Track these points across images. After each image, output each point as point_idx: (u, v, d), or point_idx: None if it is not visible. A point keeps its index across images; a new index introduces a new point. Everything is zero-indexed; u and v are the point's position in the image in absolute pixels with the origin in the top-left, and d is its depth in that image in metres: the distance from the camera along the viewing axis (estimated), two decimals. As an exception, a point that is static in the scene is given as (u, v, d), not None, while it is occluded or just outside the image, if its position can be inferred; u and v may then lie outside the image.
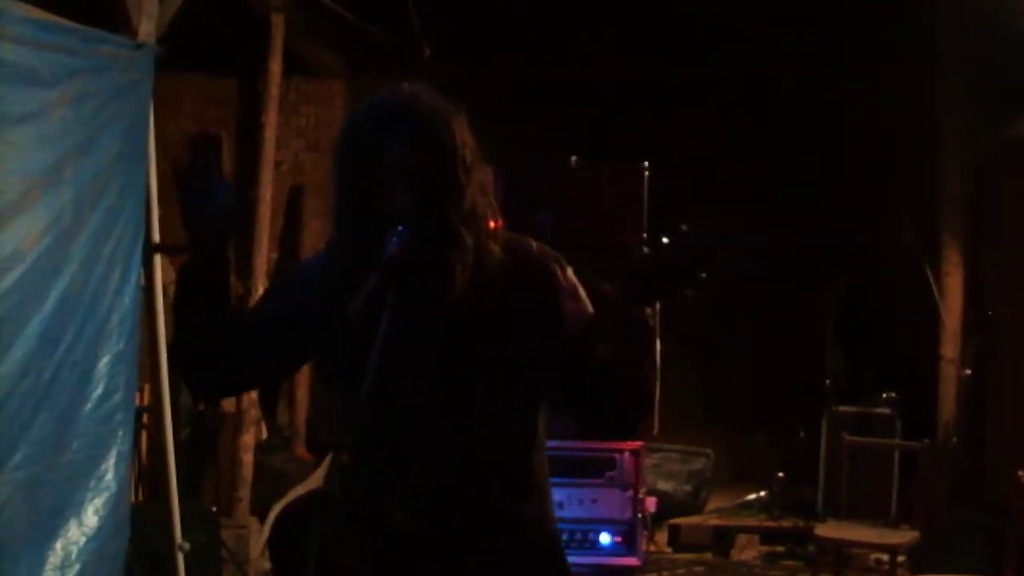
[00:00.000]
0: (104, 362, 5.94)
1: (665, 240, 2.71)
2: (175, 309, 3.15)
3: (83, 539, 5.78)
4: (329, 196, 3.02)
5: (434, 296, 2.88)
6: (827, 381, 9.41)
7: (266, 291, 3.46)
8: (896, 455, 8.57)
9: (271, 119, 8.63)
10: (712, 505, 9.81)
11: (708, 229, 2.68)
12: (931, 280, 9.06)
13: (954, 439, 8.94)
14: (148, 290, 6.70)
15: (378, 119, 2.92)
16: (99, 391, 5.90)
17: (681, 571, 8.75)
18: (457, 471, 2.95)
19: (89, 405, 5.83)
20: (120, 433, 6.10)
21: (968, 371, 9.05)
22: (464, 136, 2.96)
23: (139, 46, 6.32)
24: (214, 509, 7.82)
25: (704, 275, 2.67)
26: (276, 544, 3.08)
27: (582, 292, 3.05)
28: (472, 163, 2.96)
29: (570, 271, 3.07)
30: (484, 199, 2.98)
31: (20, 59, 5.18)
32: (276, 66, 8.63)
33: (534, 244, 3.09)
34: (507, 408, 2.97)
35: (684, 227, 2.69)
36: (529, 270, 3.02)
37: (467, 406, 2.94)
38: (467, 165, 2.94)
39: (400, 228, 2.78)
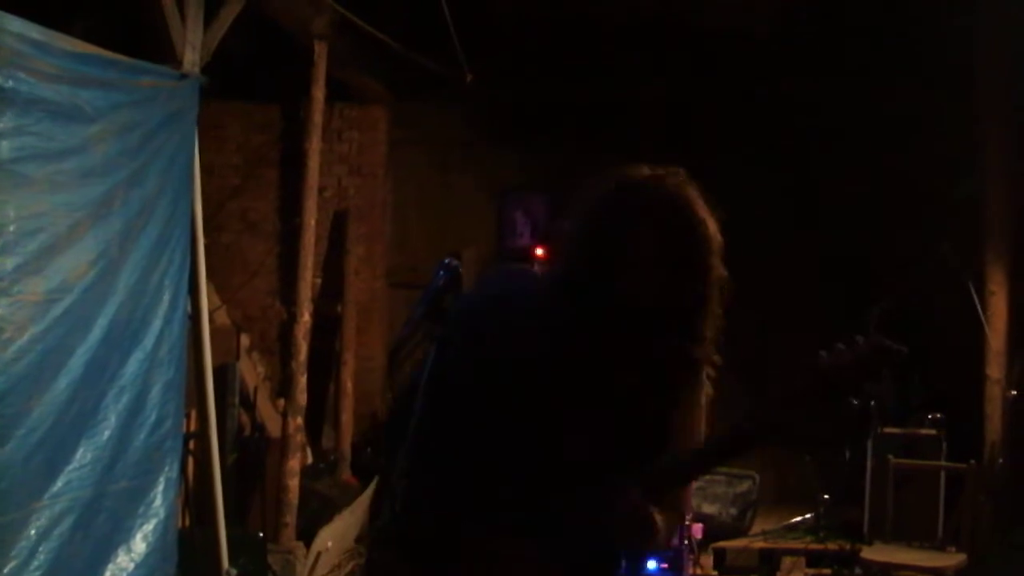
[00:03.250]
0: (156, 390, 6.01)
1: (859, 341, 2.69)
2: None
3: (132, 565, 5.84)
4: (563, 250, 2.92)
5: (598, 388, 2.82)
6: (872, 402, 9.36)
7: None
8: (942, 477, 8.51)
9: (314, 145, 8.67)
10: (758, 528, 9.77)
11: (879, 341, 2.68)
12: (976, 300, 9.01)
13: (1000, 461, 8.88)
14: (195, 317, 6.77)
15: (650, 230, 2.81)
16: (152, 419, 5.97)
17: (727, 594, 8.75)
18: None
19: (143, 433, 5.90)
20: (169, 460, 6.16)
21: (1014, 392, 8.98)
22: (718, 259, 2.88)
23: (183, 76, 6.40)
24: (260, 534, 7.84)
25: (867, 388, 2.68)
26: None
27: None
28: (720, 288, 2.90)
29: None
30: (716, 324, 2.92)
31: (59, 96, 5.25)
32: (319, 93, 8.68)
33: None
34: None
35: (859, 338, 2.69)
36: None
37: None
38: (714, 294, 2.88)
39: (446, 261, 2.81)
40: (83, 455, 5.46)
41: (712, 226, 2.86)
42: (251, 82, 10.05)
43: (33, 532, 5.16)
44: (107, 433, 5.63)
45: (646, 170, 2.88)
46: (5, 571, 5.05)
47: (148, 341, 5.97)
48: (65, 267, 5.27)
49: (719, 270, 2.88)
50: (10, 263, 4.97)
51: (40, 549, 5.17)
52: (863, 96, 10.10)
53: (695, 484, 7.13)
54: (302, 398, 8.37)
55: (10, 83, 4.92)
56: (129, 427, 5.80)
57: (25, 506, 5.12)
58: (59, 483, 5.31)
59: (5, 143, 4.96)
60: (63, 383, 5.29)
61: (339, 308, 10.45)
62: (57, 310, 5.22)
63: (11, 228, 4.97)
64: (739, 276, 2.99)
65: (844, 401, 2.67)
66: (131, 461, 5.83)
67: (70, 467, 5.37)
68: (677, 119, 10.51)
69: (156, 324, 6.04)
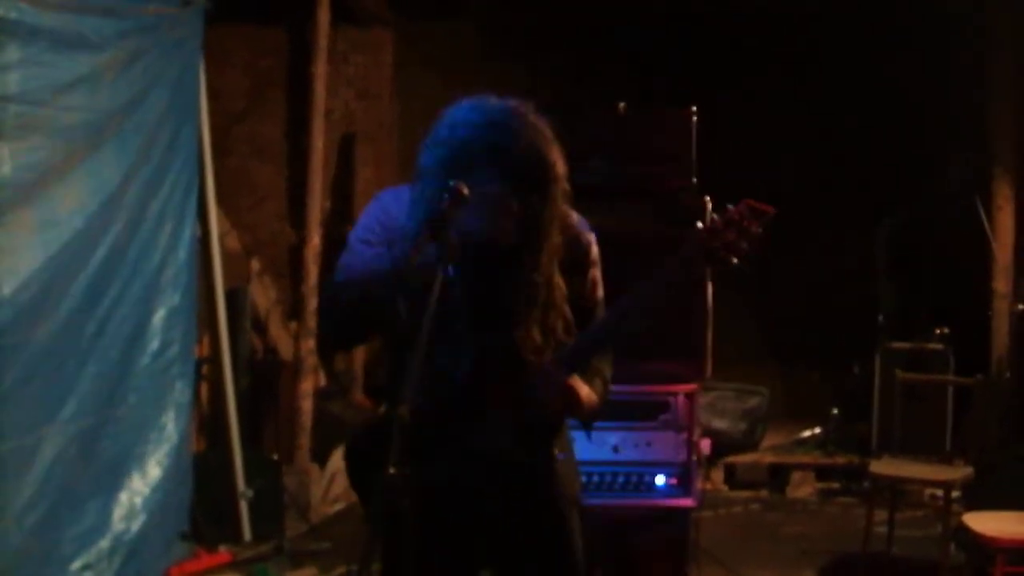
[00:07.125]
0: (159, 316, 6.04)
1: (729, 207, 2.96)
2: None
3: (147, 490, 5.91)
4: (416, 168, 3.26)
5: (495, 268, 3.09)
6: (880, 317, 9.38)
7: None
8: (950, 391, 8.56)
9: (320, 69, 8.63)
10: (767, 442, 9.83)
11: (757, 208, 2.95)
12: (983, 215, 9.01)
13: (1007, 374, 8.91)
14: (204, 241, 6.79)
15: (482, 148, 3.08)
16: (155, 345, 6.00)
17: (737, 509, 8.80)
18: (503, 430, 3.09)
19: (145, 359, 5.93)
20: (178, 386, 6.21)
21: (1021, 306, 8.99)
22: (560, 169, 3.10)
23: (187, 2, 6.37)
24: (275, 456, 7.92)
25: (747, 247, 2.93)
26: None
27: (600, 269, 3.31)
28: (563, 196, 3.13)
29: (596, 247, 3.31)
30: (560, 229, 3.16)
31: (63, 25, 5.22)
32: (324, 15, 8.62)
33: (575, 216, 3.26)
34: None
35: (728, 205, 2.96)
36: (570, 242, 3.21)
37: (514, 365, 3.09)
38: (558, 202, 3.11)
39: (451, 183, 2.86)
40: (87, 381, 5.52)
41: (559, 165, 3.09)
42: (256, 5, 9.99)
43: (46, 456, 5.22)
44: (110, 360, 5.68)
45: (494, 102, 3.22)
46: (23, 495, 5.12)
47: (150, 269, 5.98)
48: (56, 197, 5.26)
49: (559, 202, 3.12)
50: (5, 196, 4.99)
51: (52, 473, 5.24)
52: (872, 10, 10.03)
53: (702, 400, 7.18)
54: (313, 321, 8.41)
55: (13, 14, 4.91)
56: (130, 353, 5.84)
57: (36, 431, 5.18)
58: (67, 410, 5.36)
59: (13, 75, 4.95)
60: (63, 310, 5.35)
61: (348, 230, 10.46)
62: (58, 240, 5.25)
63: (8, 163, 4.97)
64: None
65: (725, 261, 2.96)
66: (135, 387, 5.87)
67: (75, 393, 5.43)
68: (685, 33, 10.45)
69: (158, 251, 6.05)
